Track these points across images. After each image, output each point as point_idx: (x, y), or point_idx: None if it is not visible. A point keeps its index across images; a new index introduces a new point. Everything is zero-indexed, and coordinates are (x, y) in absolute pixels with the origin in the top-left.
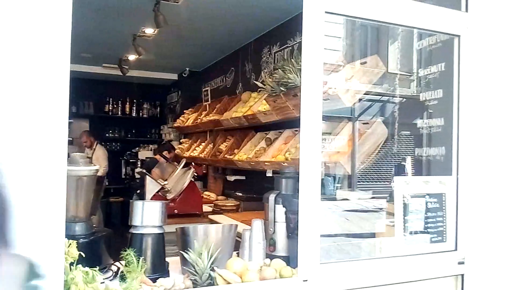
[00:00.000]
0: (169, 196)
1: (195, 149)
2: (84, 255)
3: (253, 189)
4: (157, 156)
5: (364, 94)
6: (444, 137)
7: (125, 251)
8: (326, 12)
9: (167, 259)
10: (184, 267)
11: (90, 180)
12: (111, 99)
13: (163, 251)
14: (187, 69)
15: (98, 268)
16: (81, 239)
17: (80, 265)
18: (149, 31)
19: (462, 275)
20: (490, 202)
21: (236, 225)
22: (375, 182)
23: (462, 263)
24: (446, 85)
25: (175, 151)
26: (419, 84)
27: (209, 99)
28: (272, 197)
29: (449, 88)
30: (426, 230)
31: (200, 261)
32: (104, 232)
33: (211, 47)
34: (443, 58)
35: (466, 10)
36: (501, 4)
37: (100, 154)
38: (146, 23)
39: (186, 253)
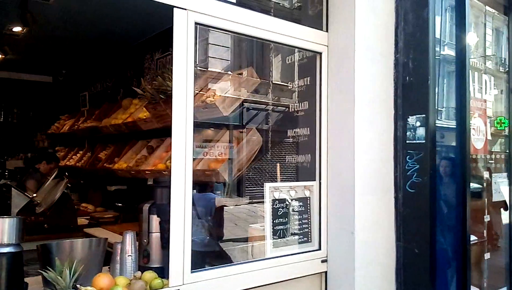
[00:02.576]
0: (39, 209)
1: (72, 158)
2: None
3: (135, 199)
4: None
5: (243, 102)
6: (310, 146)
7: None
8: (196, 23)
9: (27, 279)
10: (45, 287)
11: None
12: None
13: (21, 271)
14: (63, 71)
15: None
16: None
17: None
18: (17, 29)
19: (326, 272)
20: (345, 203)
21: (106, 239)
22: (253, 187)
23: (325, 261)
24: (311, 98)
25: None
26: (293, 96)
27: (88, 105)
28: (146, 207)
29: (313, 101)
30: (293, 232)
31: (61, 279)
32: None
33: (90, 50)
34: (309, 72)
35: (327, 30)
36: (356, 25)
37: None
38: (13, 21)
39: (45, 271)
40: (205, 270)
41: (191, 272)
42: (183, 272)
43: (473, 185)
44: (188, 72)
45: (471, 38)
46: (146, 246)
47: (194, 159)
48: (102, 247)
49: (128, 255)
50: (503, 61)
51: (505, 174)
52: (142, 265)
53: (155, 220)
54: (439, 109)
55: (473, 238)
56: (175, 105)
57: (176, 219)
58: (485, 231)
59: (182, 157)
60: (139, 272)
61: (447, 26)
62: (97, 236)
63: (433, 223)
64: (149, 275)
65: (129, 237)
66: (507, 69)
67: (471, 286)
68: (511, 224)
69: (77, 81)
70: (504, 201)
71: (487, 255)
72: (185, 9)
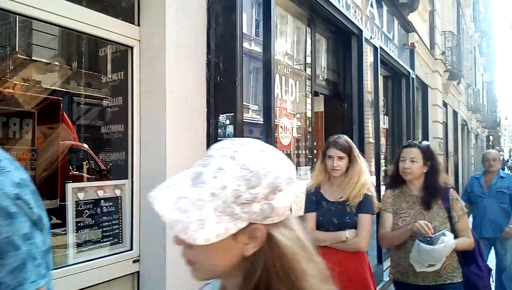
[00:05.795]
0: None
1: None
2: None
3: None
4: None
5: (54, 95)
6: (124, 143)
7: None
8: None
9: None
10: None
11: None
12: None
13: None
14: None
15: None
16: None
17: None
18: None
19: (138, 272)
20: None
21: None
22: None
23: (137, 260)
24: (125, 93)
25: None
26: (107, 90)
27: None
28: None
29: (127, 96)
30: (102, 234)
31: None
32: None
33: None
34: (123, 66)
35: (138, 24)
36: (167, 22)
37: None
38: None
39: None
40: None
41: None
42: None
43: None
44: None
45: (280, 45)
46: None
47: None
48: None
49: None
50: (321, 68)
51: (308, 167)
52: None
53: None
54: (252, 106)
55: None
56: None
57: None
58: None
59: None
60: None
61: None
62: None
63: None
64: None
65: None
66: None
67: None
68: None
69: None
70: None
71: None
72: None
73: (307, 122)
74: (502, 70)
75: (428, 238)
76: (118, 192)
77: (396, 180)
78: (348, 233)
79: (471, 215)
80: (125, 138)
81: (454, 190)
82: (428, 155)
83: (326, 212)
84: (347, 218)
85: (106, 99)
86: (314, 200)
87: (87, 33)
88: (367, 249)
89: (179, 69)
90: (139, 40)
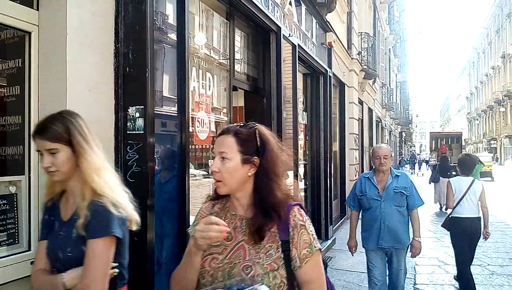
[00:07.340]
0: None
1: None
2: None
3: None
4: None
5: None
6: (21, 136)
7: None
8: None
9: None
10: None
11: None
12: None
13: None
14: None
15: None
16: None
17: None
18: None
19: None
20: None
21: None
22: None
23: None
24: (22, 82)
25: None
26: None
27: None
28: None
29: (24, 85)
30: None
31: None
32: None
33: None
34: (20, 54)
35: (37, 8)
36: (69, 7)
37: None
38: None
39: None
40: None
41: None
42: None
43: (201, 172)
44: None
45: (201, 38)
46: None
47: None
48: None
49: None
50: (241, 63)
51: None
52: None
53: None
54: (170, 97)
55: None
56: None
57: None
58: None
59: None
60: None
61: None
62: None
63: (150, 212)
64: None
65: None
66: (229, 68)
67: None
68: None
69: None
70: None
71: None
72: None
73: (228, 116)
74: (414, 71)
75: None
76: (13, 189)
77: None
78: (67, 278)
79: (359, 223)
80: (21, 130)
81: (302, 208)
82: (251, 145)
83: (54, 240)
84: (68, 250)
85: (2, 88)
86: (47, 220)
87: None
88: None
89: (82, 58)
90: (38, 25)
